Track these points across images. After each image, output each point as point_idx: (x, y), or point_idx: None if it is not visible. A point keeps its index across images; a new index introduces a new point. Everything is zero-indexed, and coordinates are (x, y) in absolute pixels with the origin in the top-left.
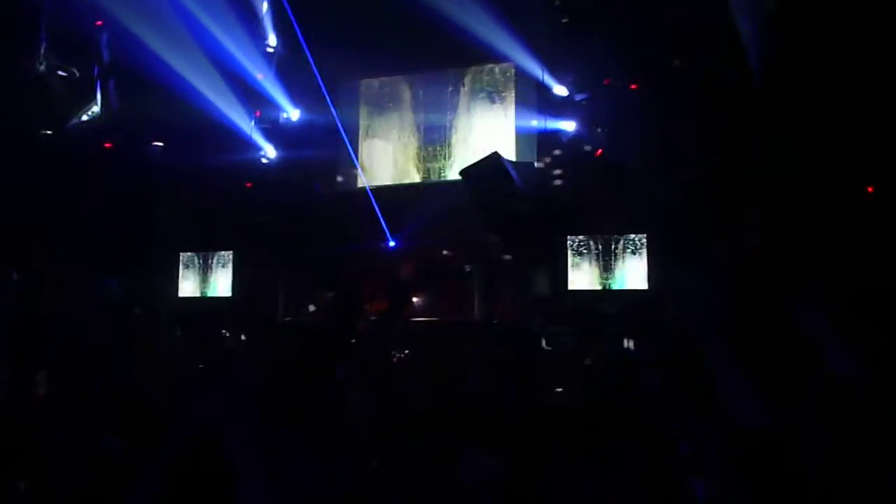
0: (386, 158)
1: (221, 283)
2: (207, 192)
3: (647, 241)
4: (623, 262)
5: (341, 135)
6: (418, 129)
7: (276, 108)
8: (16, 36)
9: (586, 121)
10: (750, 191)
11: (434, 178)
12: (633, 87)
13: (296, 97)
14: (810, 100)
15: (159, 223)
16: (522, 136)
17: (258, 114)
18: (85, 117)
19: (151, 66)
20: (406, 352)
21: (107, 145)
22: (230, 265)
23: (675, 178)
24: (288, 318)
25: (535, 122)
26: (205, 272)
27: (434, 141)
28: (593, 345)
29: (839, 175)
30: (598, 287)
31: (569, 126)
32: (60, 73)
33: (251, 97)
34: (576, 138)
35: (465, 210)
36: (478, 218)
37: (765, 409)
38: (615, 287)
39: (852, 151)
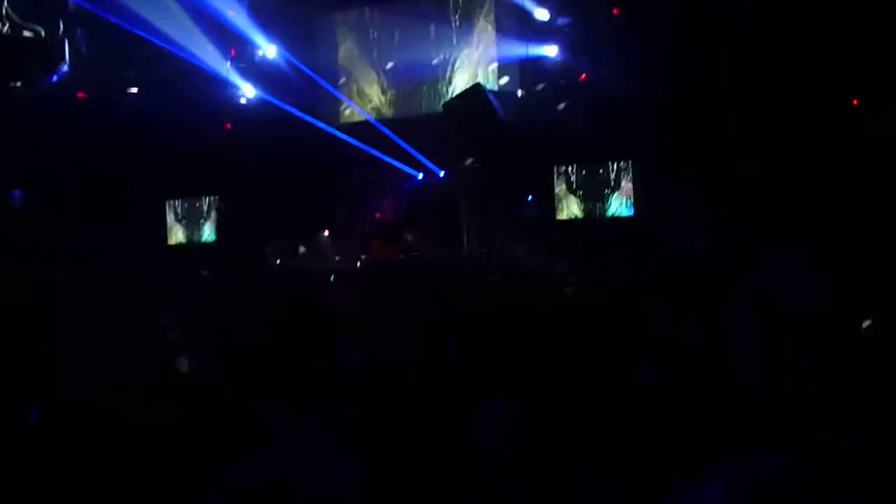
0: (367, 92)
1: (209, 229)
2: (187, 136)
3: (633, 168)
4: (610, 190)
5: (319, 71)
6: (399, 61)
7: (252, 45)
8: None
9: (570, 46)
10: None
11: (416, 111)
12: (615, 11)
13: (271, 34)
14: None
15: (141, 172)
16: (505, 65)
17: (233, 53)
18: (55, 77)
19: (118, 10)
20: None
21: (80, 95)
22: (215, 210)
23: (660, 101)
24: (279, 262)
25: (518, 50)
26: (192, 219)
27: (415, 73)
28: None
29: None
30: (586, 216)
31: (552, 52)
32: (25, 32)
33: (225, 36)
34: (559, 64)
35: (450, 143)
36: (463, 151)
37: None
38: (603, 215)
39: (840, 76)
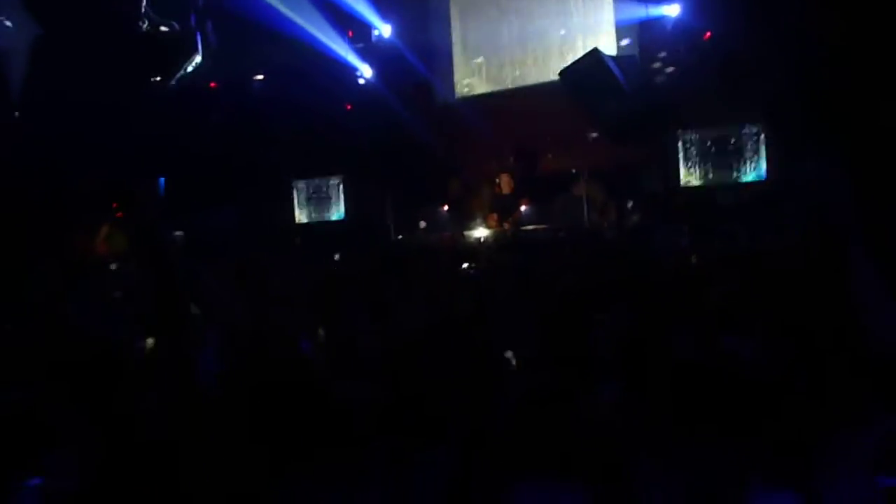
0: (482, 65)
1: (335, 208)
2: (310, 119)
3: (764, 131)
4: (739, 156)
5: (434, 47)
6: (512, 31)
7: (367, 26)
8: None
9: (691, 3)
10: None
11: (533, 81)
12: None
13: (385, 13)
14: None
15: (269, 155)
16: (623, 29)
17: (350, 34)
18: (190, 68)
19: (242, 2)
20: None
21: (212, 85)
22: (341, 189)
23: (792, 61)
24: (400, 237)
25: (636, 11)
26: (318, 198)
27: (530, 42)
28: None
29: None
30: (713, 183)
31: (672, 11)
32: (162, 28)
33: (341, 18)
34: (681, 24)
35: (569, 112)
36: (582, 119)
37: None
38: (731, 181)
39: None
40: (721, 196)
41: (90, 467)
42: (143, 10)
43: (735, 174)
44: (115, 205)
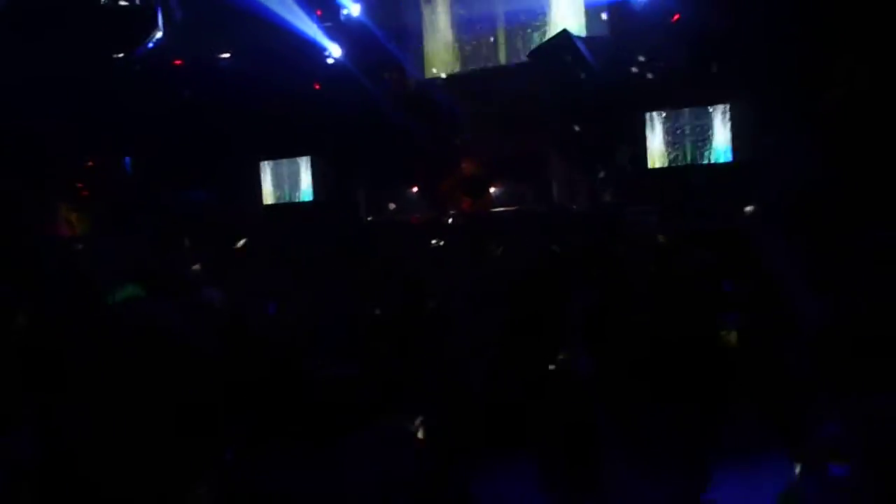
0: (452, 46)
1: (303, 188)
2: (278, 98)
3: (731, 111)
4: (708, 135)
5: (403, 27)
6: (482, 12)
7: (336, 4)
8: None
9: None
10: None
11: (503, 61)
12: None
13: None
14: None
15: (236, 134)
16: (592, 9)
17: (318, 13)
18: (150, 44)
19: None
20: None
21: (176, 62)
22: (308, 170)
23: (761, 41)
24: (371, 218)
25: None
26: (286, 178)
27: (499, 23)
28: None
29: None
30: (682, 162)
31: None
32: (122, 2)
33: None
34: (650, 5)
35: (539, 92)
36: (552, 100)
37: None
38: (699, 162)
39: None
40: (690, 176)
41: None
42: None
43: (703, 154)
44: (79, 184)
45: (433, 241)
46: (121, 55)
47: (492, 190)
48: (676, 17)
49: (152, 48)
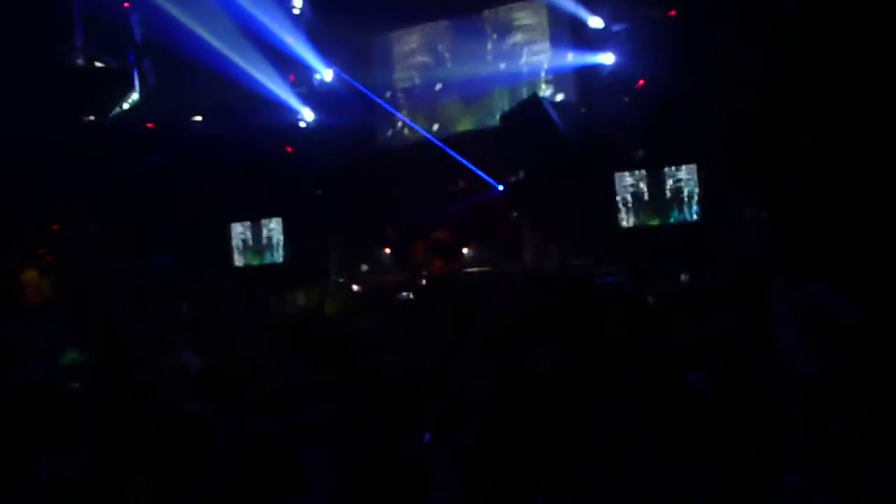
0: (424, 110)
1: (273, 251)
2: (250, 161)
3: (698, 172)
4: (675, 196)
5: (375, 91)
6: (454, 76)
7: (310, 70)
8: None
9: (625, 52)
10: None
11: (474, 126)
12: (671, 13)
13: (328, 57)
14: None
15: (207, 196)
16: (560, 75)
17: (292, 78)
18: (126, 105)
19: (183, 41)
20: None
21: (149, 125)
22: (280, 232)
23: (721, 106)
24: (342, 280)
25: (572, 59)
26: (257, 241)
27: (470, 88)
28: (647, 283)
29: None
30: (650, 223)
31: (607, 59)
32: (98, 63)
33: (284, 62)
34: (616, 71)
35: (509, 155)
36: (522, 163)
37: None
38: (667, 222)
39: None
40: (657, 237)
41: None
42: (78, 44)
43: (670, 216)
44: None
45: (404, 301)
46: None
47: (465, 252)
48: (641, 83)
49: (127, 110)
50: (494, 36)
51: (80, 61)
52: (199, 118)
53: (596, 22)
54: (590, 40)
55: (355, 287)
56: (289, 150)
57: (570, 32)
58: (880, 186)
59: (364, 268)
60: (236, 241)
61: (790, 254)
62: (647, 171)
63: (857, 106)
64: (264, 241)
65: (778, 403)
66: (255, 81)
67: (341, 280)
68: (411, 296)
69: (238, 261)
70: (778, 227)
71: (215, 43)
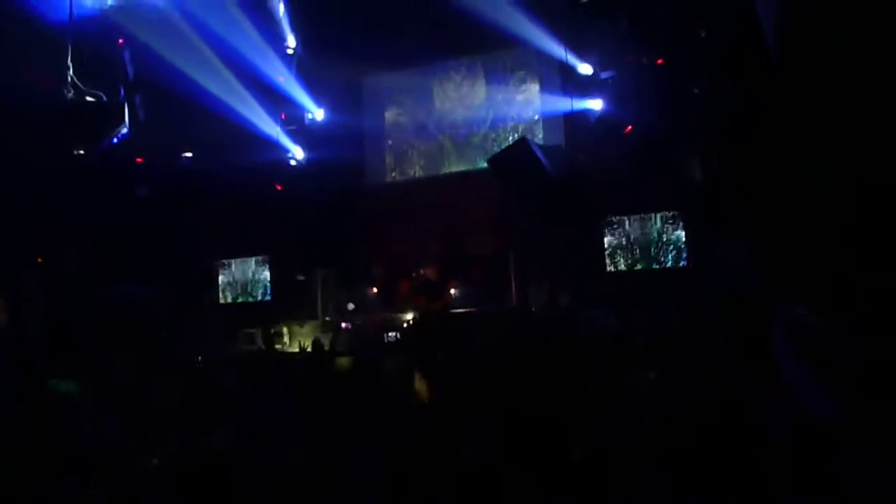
0: (413, 151)
1: (260, 287)
2: (239, 197)
3: (684, 216)
4: (661, 240)
5: (366, 132)
6: (443, 119)
7: (301, 109)
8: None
9: (613, 98)
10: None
11: (463, 167)
12: (659, 61)
13: (319, 97)
14: (829, 76)
15: (194, 231)
16: (549, 119)
17: (283, 116)
18: (115, 140)
19: (174, 78)
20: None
21: (138, 161)
22: (267, 269)
23: (708, 151)
24: (328, 318)
25: (562, 104)
26: (243, 277)
27: (460, 130)
28: (634, 325)
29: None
30: (637, 267)
31: (596, 105)
32: (88, 98)
33: (275, 100)
34: (604, 117)
35: (497, 197)
36: (510, 205)
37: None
38: (654, 266)
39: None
40: (644, 279)
41: None
42: (68, 78)
43: (657, 259)
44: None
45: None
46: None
47: (451, 291)
48: (629, 129)
49: (116, 144)
50: (485, 79)
51: (69, 95)
52: (188, 154)
53: (585, 69)
54: (579, 86)
55: (343, 325)
56: (278, 187)
57: (560, 78)
58: (867, 225)
59: (350, 306)
60: (222, 278)
61: (783, 286)
62: (633, 215)
63: (844, 152)
64: (251, 277)
65: (775, 439)
66: (246, 119)
67: (328, 318)
68: (398, 336)
69: (224, 297)
70: (767, 262)
71: (206, 81)
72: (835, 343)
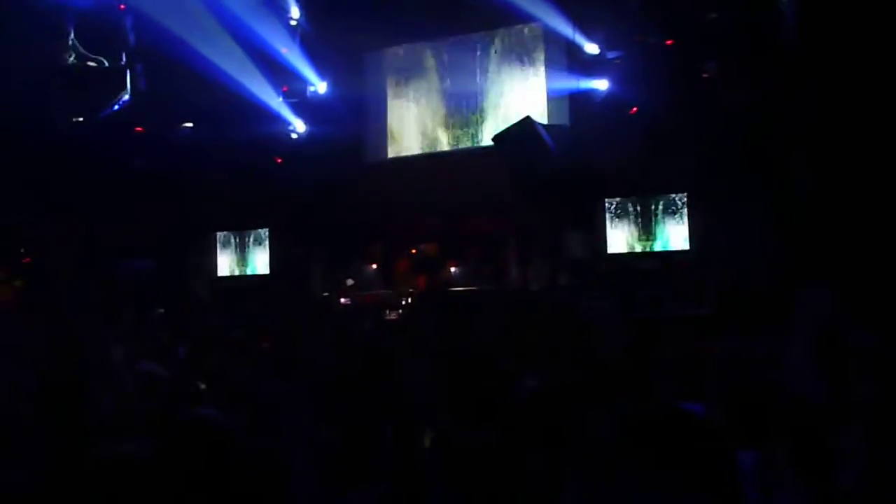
0: (415, 127)
1: (259, 261)
2: (239, 169)
3: (687, 201)
4: (663, 223)
5: (368, 106)
6: (447, 95)
7: (303, 81)
8: (44, 27)
9: (620, 79)
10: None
11: (465, 144)
12: (668, 42)
13: (321, 70)
14: (845, 56)
15: (193, 203)
16: (554, 99)
17: (285, 88)
18: (116, 106)
19: (176, 47)
20: None
21: (138, 129)
22: (266, 242)
23: (714, 134)
24: (326, 294)
25: (567, 83)
26: (241, 250)
27: (463, 107)
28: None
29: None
30: (638, 249)
31: (602, 85)
32: (90, 63)
33: (277, 72)
34: (609, 97)
35: (499, 176)
36: (512, 184)
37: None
38: (656, 249)
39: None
40: (645, 262)
41: None
42: (70, 42)
43: (659, 241)
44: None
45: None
46: (85, 116)
47: (451, 269)
48: (634, 109)
49: (117, 111)
50: (489, 56)
51: (71, 59)
52: (189, 125)
53: (592, 48)
54: (585, 66)
55: (343, 300)
56: (279, 160)
57: (566, 57)
58: (879, 207)
59: (350, 282)
60: (221, 250)
61: (803, 270)
62: (636, 196)
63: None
64: (250, 250)
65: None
66: (248, 91)
67: (326, 294)
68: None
69: (222, 269)
70: (786, 245)
71: (209, 51)
72: (853, 332)
